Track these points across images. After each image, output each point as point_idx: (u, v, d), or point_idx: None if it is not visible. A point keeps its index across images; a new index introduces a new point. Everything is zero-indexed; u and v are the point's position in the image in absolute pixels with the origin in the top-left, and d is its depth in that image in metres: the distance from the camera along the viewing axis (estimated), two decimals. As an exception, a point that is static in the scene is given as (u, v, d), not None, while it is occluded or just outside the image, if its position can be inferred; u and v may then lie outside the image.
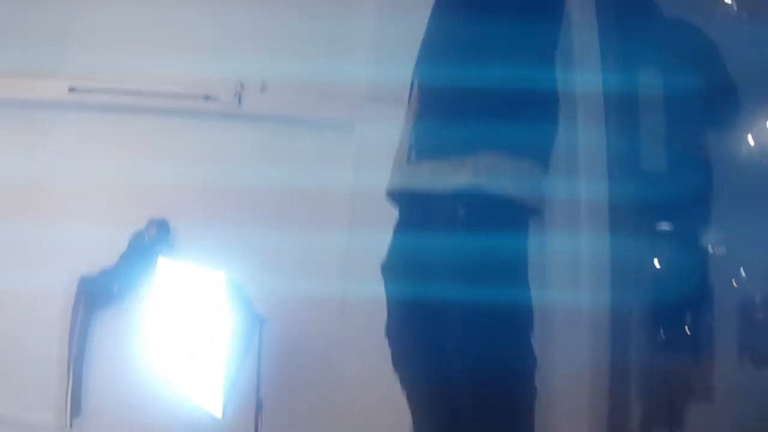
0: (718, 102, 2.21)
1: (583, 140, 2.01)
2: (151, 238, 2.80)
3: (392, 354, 1.53)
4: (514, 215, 1.39)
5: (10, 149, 3.12)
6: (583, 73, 1.89)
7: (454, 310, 1.33)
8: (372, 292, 1.64)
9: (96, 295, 2.86)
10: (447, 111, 1.44)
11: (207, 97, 2.81)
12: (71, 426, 2.94)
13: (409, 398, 1.51)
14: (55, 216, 2.98)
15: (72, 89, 2.98)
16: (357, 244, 2.35)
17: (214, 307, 2.35)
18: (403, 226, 1.54)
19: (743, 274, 2.30)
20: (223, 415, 2.32)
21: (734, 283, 2.29)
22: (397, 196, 1.56)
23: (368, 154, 2.46)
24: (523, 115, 1.35)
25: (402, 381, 1.52)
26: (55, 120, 3.11)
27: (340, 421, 2.40)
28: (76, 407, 2.91)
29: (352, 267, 2.36)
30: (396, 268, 1.51)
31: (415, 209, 1.49)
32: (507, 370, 1.30)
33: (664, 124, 2.23)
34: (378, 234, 1.67)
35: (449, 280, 1.34)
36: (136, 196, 2.90)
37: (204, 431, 2.60)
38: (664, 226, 2.28)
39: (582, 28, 2.02)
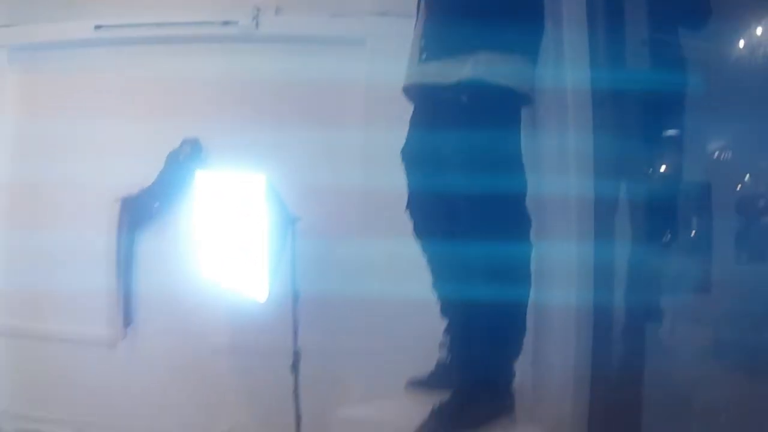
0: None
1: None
2: (186, 157, 3.02)
3: (413, 225, 1.79)
4: (508, 101, 1.67)
5: (46, 91, 3.35)
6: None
7: (462, 180, 1.57)
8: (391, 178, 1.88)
9: (138, 213, 3.10)
10: (450, 18, 1.69)
11: (226, 23, 3.00)
12: (124, 336, 3.20)
13: (429, 261, 1.77)
14: (95, 146, 3.22)
15: (98, 27, 3.18)
16: (375, 138, 2.55)
17: (251, 209, 2.58)
18: (417, 116, 1.79)
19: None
20: (266, 302, 2.57)
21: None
22: (411, 90, 1.81)
23: (380, 64, 2.64)
24: (514, 18, 1.59)
25: (422, 247, 1.78)
26: (85, 58, 3.30)
27: (369, 303, 2.63)
28: (127, 318, 3.17)
29: (373, 158, 2.56)
30: (413, 151, 1.76)
31: (426, 100, 1.77)
32: (508, 224, 1.56)
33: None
34: (394, 129, 1.90)
35: (457, 157, 1.59)
36: (168, 120, 3.09)
37: (249, 322, 2.89)
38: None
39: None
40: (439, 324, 1.92)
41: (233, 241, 2.70)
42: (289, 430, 2.83)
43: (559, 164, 1.81)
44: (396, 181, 1.88)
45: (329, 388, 2.80)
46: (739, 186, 2.48)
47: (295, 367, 2.74)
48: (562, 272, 1.74)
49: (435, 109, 1.70)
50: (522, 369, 1.76)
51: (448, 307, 1.79)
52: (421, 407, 1.61)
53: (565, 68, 1.85)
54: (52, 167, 3.25)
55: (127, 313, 3.16)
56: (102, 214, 3.20)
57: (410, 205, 1.79)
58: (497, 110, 1.63)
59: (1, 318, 3.44)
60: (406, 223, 1.89)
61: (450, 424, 1.53)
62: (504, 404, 1.64)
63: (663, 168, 2.26)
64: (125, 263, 3.15)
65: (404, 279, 2.25)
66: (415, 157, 1.76)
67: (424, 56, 1.71)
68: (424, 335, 2.03)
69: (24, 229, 3.35)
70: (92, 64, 3.30)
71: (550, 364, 1.80)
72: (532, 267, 1.70)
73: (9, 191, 3.38)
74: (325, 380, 2.79)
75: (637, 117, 1.94)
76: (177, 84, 3.12)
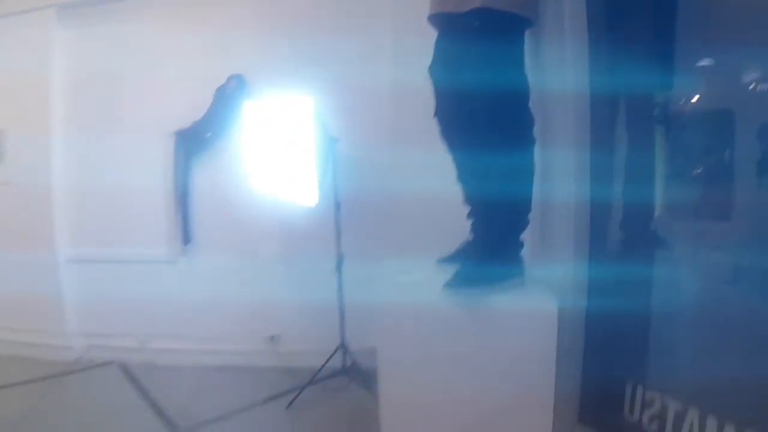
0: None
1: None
2: (232, 90, 3.40)
3: (440, 129, 2.14)
4: (513, 24, 1.96)
5: (105, 40, 3.73)
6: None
7: (477, 87, 1.93)
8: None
9: (192, 143, 3.50)
10: None
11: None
12: (183, 254, 3.63)
13: (453, 158, 2.13)
14: (149, 86, 3.61)
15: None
16: (405, 58, 2.85)
17: (299, 129, 2.99)
18: (440, 39, 2.12)
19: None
20: (310, 214, 3.00)
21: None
22: (434, 19, 2.14)
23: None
24: None
25: (448, 146, 2.13)
26: (133, 9, 3.66)
27: (402, 208, 3.00)
28: (185, 237, 3.60)
29: (403, 75, 2.87)
30: (437, 67, 2.10)
31: (447, 26, 2.06)
32: (515, 120, 1.94)
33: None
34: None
35: (472, 69, 1.95)
36: (215, 58, 3.46)
37: (294, 234, 3.32)
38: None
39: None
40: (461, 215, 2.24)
41: (282, 159, 3.09)
42: (333, 330, 3.28)
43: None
44: (424, 94, 2.15)
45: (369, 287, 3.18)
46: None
47: (338, 268, 3.18)
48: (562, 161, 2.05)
49: (453, 33, 2.04)
50: (530, 241, 2.07)
51: (469, 194, 2.15)
52: (447, 274, 1.91)
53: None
54: (110, 108, 3.65)
55: (185, 232, 3.56)
56: (159, 146, 3.58)
57: (437, 113, 2.14)
58: (504, 32, 1.91)
59: (71, 248, 3.87)
60: (434, 128, 2.17)
61: (470, 282, 1.86)
62: (514, 269, 1.98)
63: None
64: (182, 188, 3.55)
65: (432, 178, 2.51)
66: (439, 72, 2.11)
67: None
68: (450, 228, 2.27)
69: (89, 165, 3.76)
70: (138, 15, 3.63)
71: (554, 239, 2.10)
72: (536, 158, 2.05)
73: (75, 135, 3.77)
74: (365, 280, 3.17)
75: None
76: (220, 24, 3.48)
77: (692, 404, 1.53)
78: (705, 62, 2.14)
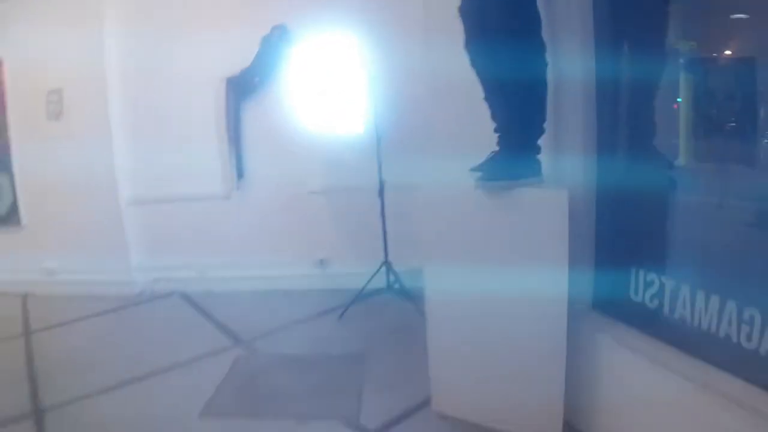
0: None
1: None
2: (276, 38, 3.73)
3: (470, 60, 2.40)
4: None
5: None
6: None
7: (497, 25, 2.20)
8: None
9: (242, 88, 3.84)
10: None
11: None
12: (237, 189, 4.01)
13: (481, 81, 2.36)
14: (199, 38, 3.91)
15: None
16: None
17: (341, 68, 3.32)
18: None
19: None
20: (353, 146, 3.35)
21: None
22: None
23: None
24: None
25: (473, 63, 2.38)
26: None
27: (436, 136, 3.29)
28: (238, 173, 3.97)
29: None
30: (464, 10, 2.35)
31: None
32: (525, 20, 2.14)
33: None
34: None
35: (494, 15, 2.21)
36: (260, 10, 3.78)
37: (339, 165, 3.68)
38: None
39: None
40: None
41: (326, 97, 3.45)
42: (378, 252, 3.64)
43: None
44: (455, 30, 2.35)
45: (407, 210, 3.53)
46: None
47: (381, 193, 3.54)
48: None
49: None
50: (546, 145, 2.29)
51: (494, 111, 2.37)
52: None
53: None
54: (164, 61, 3.98)
55: (238, 169, 3.94)
56: (211, 92, 3.94)
57: (466, 46, 2.41)
58: None
59: (132, 190, 4.24)
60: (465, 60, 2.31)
61: (496, 177, 2.14)
62: (533, 169, 2.21)
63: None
64: (234, 129, 3.90)
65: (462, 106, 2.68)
66: (466, 15, 2.35)
67: None
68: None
69: (146, 113, 4.10)
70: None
71: (566, 144, 2.29)
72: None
73: (131, 85, 4.11)
74: (404, 204, 3.51)
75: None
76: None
77: (684, 282, 1.76)
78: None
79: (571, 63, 2.18)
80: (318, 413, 2.45)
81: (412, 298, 3.50)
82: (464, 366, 2.23)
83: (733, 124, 1.98)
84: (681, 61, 2.02)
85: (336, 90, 3.37)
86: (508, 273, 2.09)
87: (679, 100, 2.06)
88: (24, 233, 4.47)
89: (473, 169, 2.22)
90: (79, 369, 3.05)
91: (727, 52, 2.04)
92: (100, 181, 4.16)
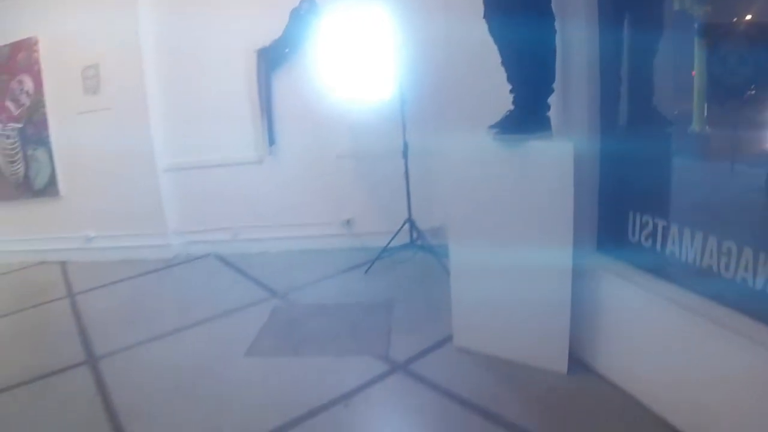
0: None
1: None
2: (306, 10, 3.94)
3: (489, 28, 2.59)
4: None
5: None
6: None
7: None
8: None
9: (272, 59, 4.07)
10: None
11: None
12: (269, 153, 4.28)
13: (497, 46, 2.56)
14: (231, 11, 4.14)
15: None
16: None
17: (367, 36, 3.54)
18: None
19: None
20: (378, 111, 3.59)
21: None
22: None
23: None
24: None
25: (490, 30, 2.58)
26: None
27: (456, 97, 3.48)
28: (271, 139, 4.22)
29: None
30: None
31: None
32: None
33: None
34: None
35: None
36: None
37: (365, 130, 3.94)
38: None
39: None
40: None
41: (353, 64, 3.68)
42: (402, 212, 3.87)
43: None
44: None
45: (429, 173, 3.80)
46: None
47: (405, 154, 3.79)
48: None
49: None
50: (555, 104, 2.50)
51: (510, 74, 2.56)
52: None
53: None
54: (197, 33, 4.21)
55: (269, 136, 4.19)
56: (243, 63, 4.18)
57: (486, 11, 2.60)
58: None
59: (168, 158, 4.50)
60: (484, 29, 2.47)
61: (510, 130, 2.38)
62: (543, 124, 2.42)
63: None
64: (265, 98, 4.14)
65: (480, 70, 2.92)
66: None
67: None
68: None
69: (180, 84, 4.35)
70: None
71: (573, 103, 2.50)
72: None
73: (166, 58, 4.34)
74: (426, 166, 3.80)
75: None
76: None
77: (673, 221, 1.99)
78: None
79: (576, 29, 2.40)
80: (352, 350, 2.74)
81: (434, 252, 3.76)
82: (482, 305, 2.51)
83: (747, 89, 1.98)
84: (695, 25, 2.06)
85: (362, 59, 3.58)
86: (520, 219, 2.37)
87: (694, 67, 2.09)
88: (62, 203, 4.76)
89: (491, 126, 2.46)
90: (127, 322, 3.37)
91: (741, 18, 2.04)
92: (137, 151, 4.41)
